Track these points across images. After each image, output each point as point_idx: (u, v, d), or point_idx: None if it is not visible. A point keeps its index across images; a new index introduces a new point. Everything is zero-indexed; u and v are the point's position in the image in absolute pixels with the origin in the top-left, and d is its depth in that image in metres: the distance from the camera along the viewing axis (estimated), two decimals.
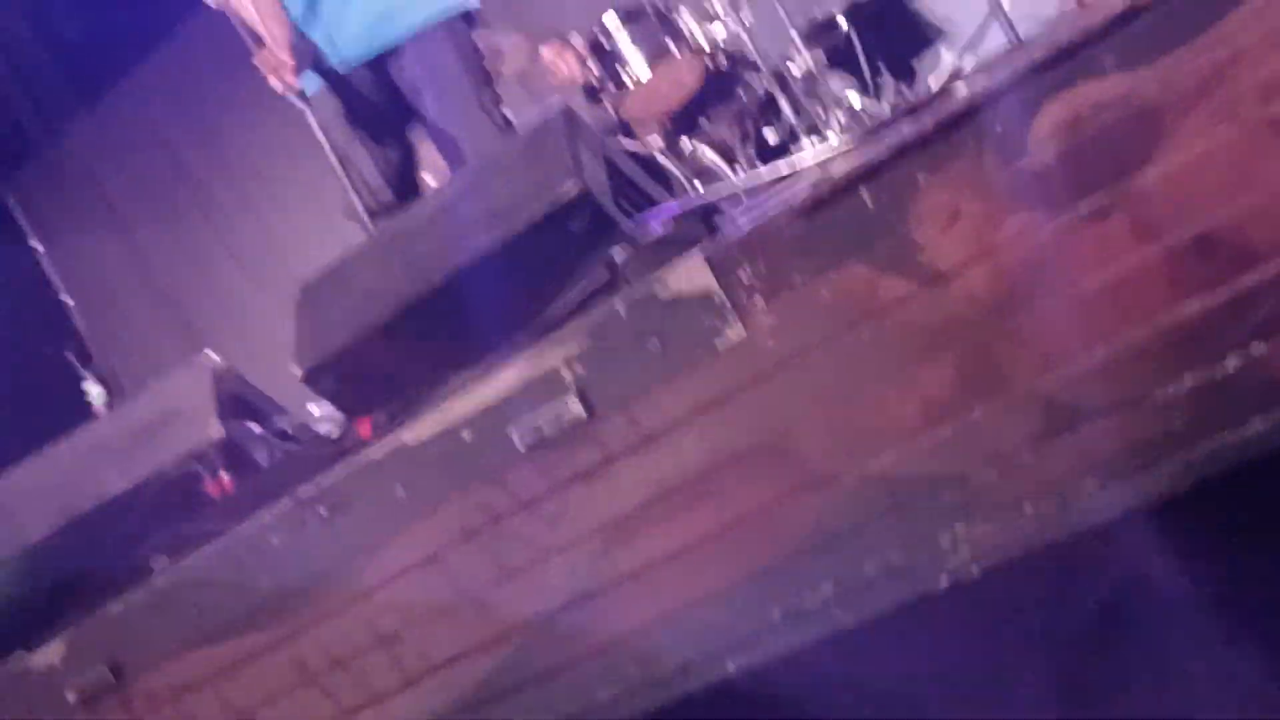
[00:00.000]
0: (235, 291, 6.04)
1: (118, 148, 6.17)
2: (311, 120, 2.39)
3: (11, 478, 2.02)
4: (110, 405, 4.02)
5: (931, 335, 1.30)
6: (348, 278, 1.92)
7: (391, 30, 2.52)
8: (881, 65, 4.24)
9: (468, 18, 2.64)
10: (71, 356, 4.56)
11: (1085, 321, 1.22)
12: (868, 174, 1.32)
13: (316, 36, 2.50)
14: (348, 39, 2.51)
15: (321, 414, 2.21)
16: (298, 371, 1.80)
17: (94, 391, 4.32)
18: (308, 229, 5.76)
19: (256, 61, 2.43)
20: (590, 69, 3.77)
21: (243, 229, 6.10)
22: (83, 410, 4.14)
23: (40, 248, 6.32)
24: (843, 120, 3.74)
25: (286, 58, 2.40)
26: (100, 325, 6.32)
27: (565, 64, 3.87)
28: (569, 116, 1.75)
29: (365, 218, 2.39)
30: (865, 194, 1.31)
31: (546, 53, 4.14)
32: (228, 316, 5.99)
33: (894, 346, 1.32)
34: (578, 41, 3.87)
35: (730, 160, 3.77)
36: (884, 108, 3.97)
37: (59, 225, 6.37)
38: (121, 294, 6.32)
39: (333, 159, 2.38)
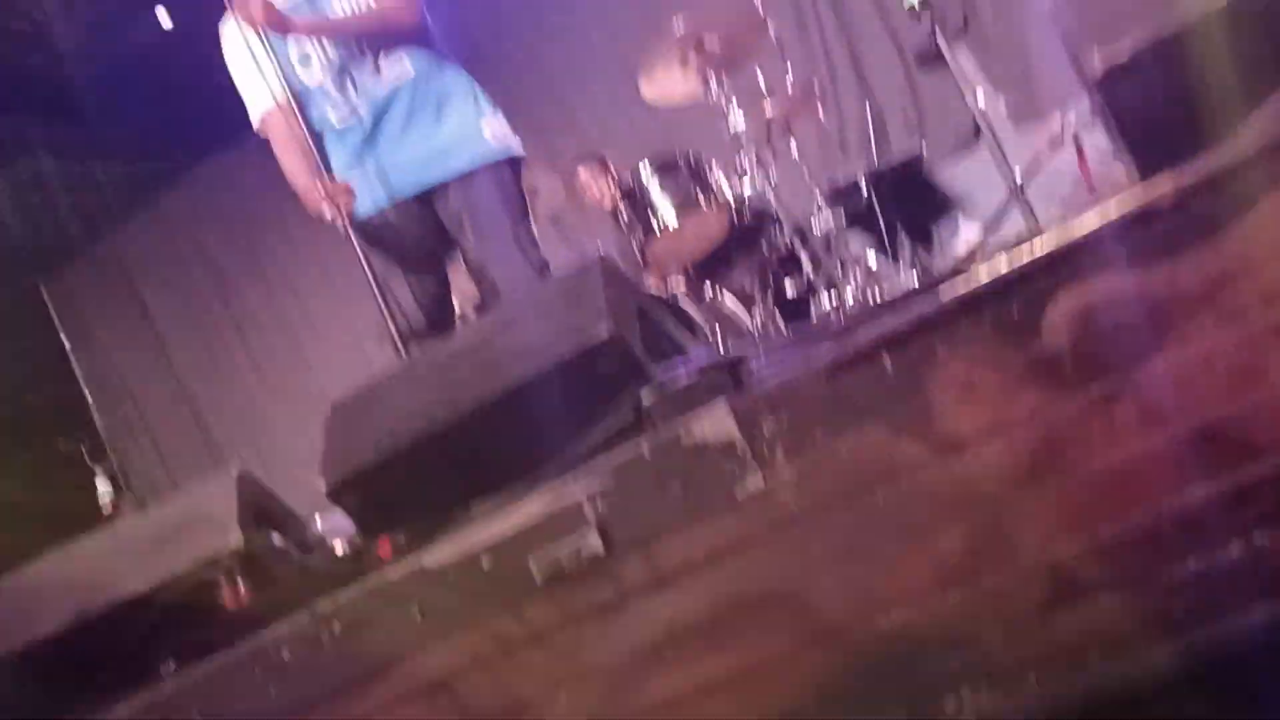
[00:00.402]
0: (256, 403, 6.13)
1: (159, 253, 6.34)
2: (356, 246, 2.50)
3: (28, 571, 2.05)
4: (117, 503, 4.06)
5: (944, 501, 1.35)
6: (379, 399, 1.99)
7: (440, 170, 2.67)
8: (900, 230, 4.40)
9: (511, 159, 2.80)
10: (85, 451, 4.62)
11: (1093, 499, 1.27)
12: (889, 342, 1.39)
13: (369, 169, 2.64)
14: (398, 176, 2.66)
15: (328, 528, 2.25)
16: (323, 486, 1.86)
17: (103, 489, 4.36)
18: (336, 349, 5.90)
19: (302, 196, 2.59)
20: (620, 200, 3.93)
21: (273, 343, 6.24)
22: (91, 505, 4.18)
23: (68, 343, 6.44)
24: (860, 279, 3.87)
25: (325, 201, 2.55)
26: (117, 423, 6.37)
27: (598, 186, 4.05)
28: (606, 264, 1.85)
29: (398, 343, 2.47)
30: (886, 361, 1.38)
31: (583, 173, 4.33)
32: (246, 427, 6.07)
33: (908, 508, 1.37)
34: (612, 165, 4.05)
35: (750, 309, 3.89)
36: (900, 271, 4.10)
37: (90, 322, 6.50)
38: (143, 394, 6.39)
39: (372, 284, 2.48)
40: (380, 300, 2.50)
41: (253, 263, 6.28)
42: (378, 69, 2.69)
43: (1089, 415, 1.26)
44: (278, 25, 2.56)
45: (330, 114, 2.75)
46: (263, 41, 2.65)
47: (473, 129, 2.72)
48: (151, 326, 6.37)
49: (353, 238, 2.51)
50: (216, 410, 6.26)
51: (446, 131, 2.71)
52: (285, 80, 2.67)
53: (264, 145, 2.82)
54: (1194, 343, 1.23)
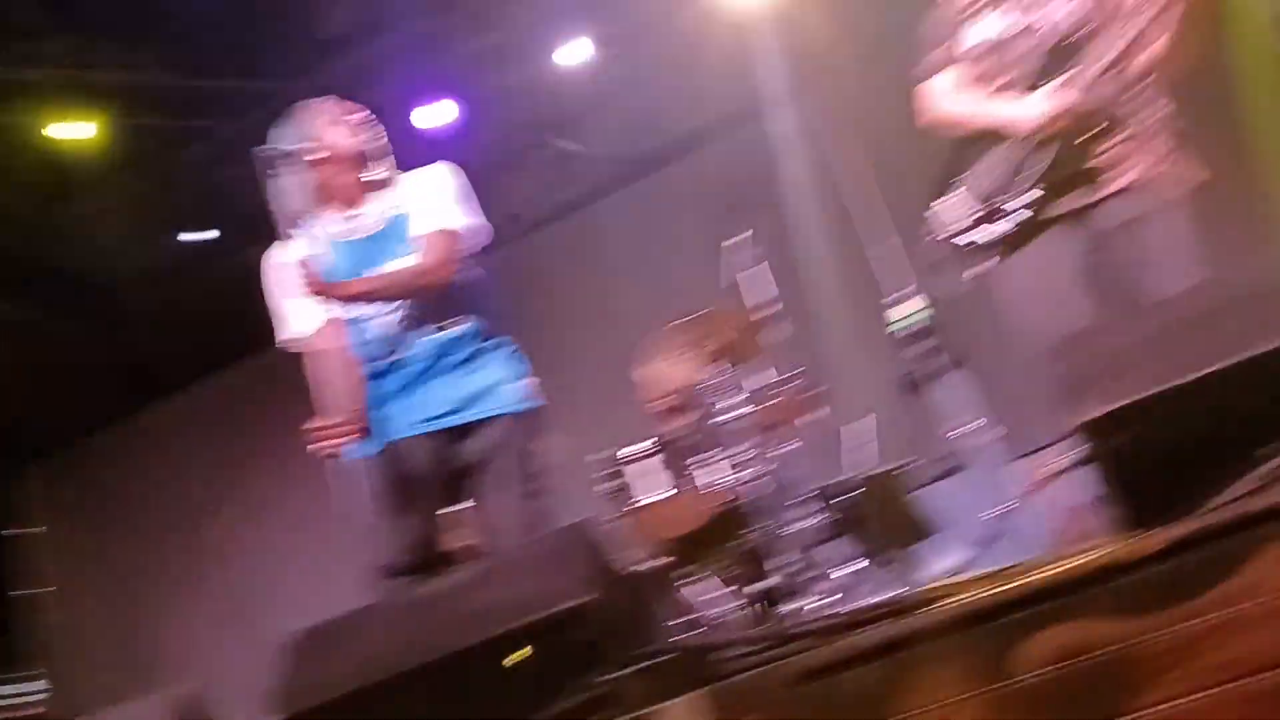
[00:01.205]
0: (212, 623, 5.92)
1: (146, 455, 6.34)
2: (360, 479, 2.51)
3: None
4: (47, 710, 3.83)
5: None
6: (342, 636, 1.95)
7: (469, 413, 2.75)
8: (880, 545, 4.41)
9: (534, 412, 2.88)
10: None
11: None
12: (863, 657, 1.40)
13: (396, 406, 2.73)
14: (425, 414, 2.74)
15: None
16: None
17: (32, 689, 4.14)
18: (313, 579, 5.77)
19: (309, 426, 2.60)
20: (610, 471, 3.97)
21: (238, 571, 6.10)
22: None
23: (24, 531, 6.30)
24: (835, 587, 3.86)
25: (340, 435, 2.58)
26: (61, 624, 6.13)
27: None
28: (595, 530, 1.87)
29: (374, 582, 2.44)
30: (866, 673, 1.38)
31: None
32: (194, 647, 5.83)
33: None
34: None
35: (723, 598, 3.85)
36: (875, 586, 4.09)
37: (57, 512, 6.39)
38: (93, 599, 6.19)
39: (366, 518, 2.47)
40: (371, 535, 2.48)
41: (240, 478, 6.27)
42: (436, 324, 2.82)
43: None
44: (320, 292, 2.67)
45: (372, 349, 2.81)
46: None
47: (507, 380, 2.84)
48: (120, 527, 6.27)
49: (354, 472, 2.54)
50: (167, 627, 6.05)
51: (481, 379, 2.81)
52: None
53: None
54: (1163, 699, 1.24)
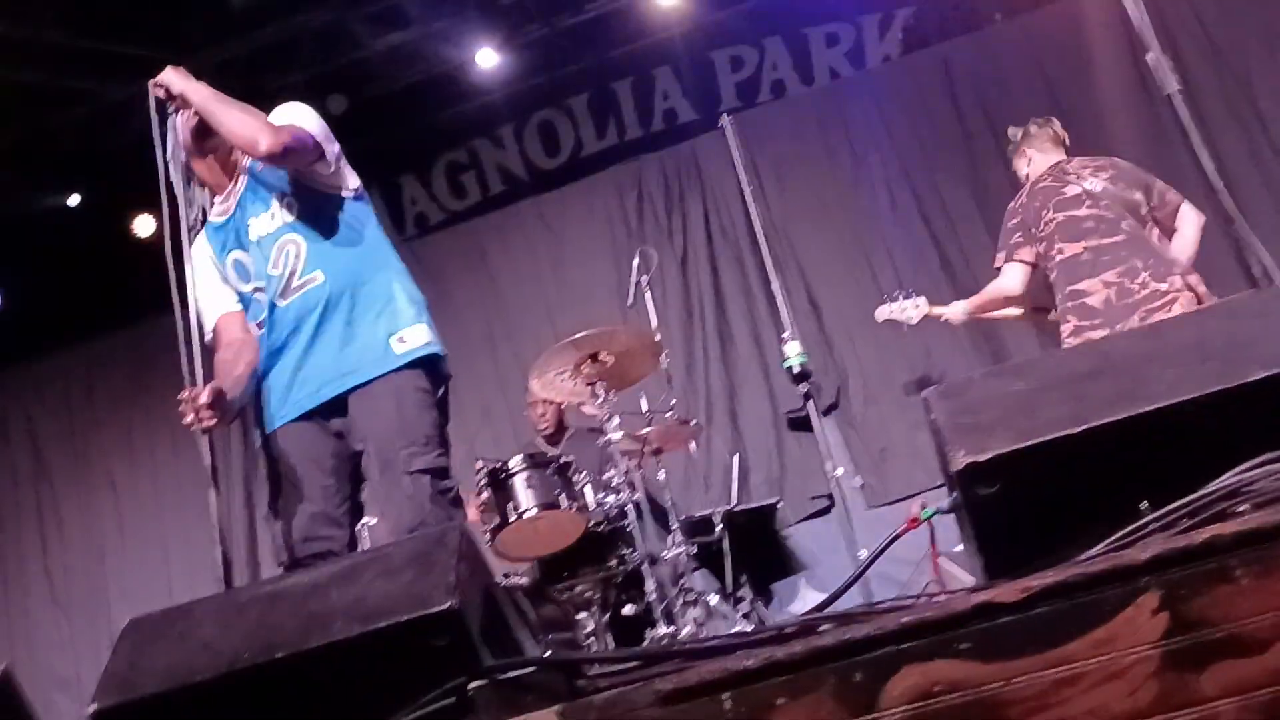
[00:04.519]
0: (48, 604, 5.64)
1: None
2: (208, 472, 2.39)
3: None
4: None
5: None
6: (183, 626, 1.84)
7: (334, 387, 2.62)
8: (745, 578, 4.46)
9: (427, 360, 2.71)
10: None
11: None
12: (732, 681, 1.37)
13: (277, 381, 2.62)
14: (303, 390, 2.62)
15: None
16: (91, 708, 1.67)
17: None
18: (160, 566, 5.53)
19: (181, 396, 2.50)
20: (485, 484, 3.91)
21: (87, 546, 5.82)
22: None
23: None
24: (697, 615, 3.87)
25: (206, 410, 2.48)
26: None
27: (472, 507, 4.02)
28: (467, 538, 1.81)
29: (225, 572, 2.32)
30: (726, 700, 1.36)
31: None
32: (31, 628, 5.54)
33: None
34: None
35: (586, 618, 3.82)
36: (736, 617, 4.12)
37: None
38: None
39: (213, 518, 2.34)
40: (217, 530, 2.34)
41: (84, 466, 5.99)
42: (292, 283, 2.68)
43: None
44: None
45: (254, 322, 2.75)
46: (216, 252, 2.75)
47: (383, 336, 2.66)
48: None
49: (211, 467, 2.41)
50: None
51: (358, 342, 2.64)
52: (234, 288, 2.75)
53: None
54: None
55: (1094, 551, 1.41)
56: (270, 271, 2.69)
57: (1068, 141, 4.16)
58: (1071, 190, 3.89)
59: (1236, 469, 1.46)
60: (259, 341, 2.72)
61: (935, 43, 6.07)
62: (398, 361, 2.62)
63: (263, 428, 2.70)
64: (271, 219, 2.72)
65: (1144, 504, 1.50)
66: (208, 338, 2.78)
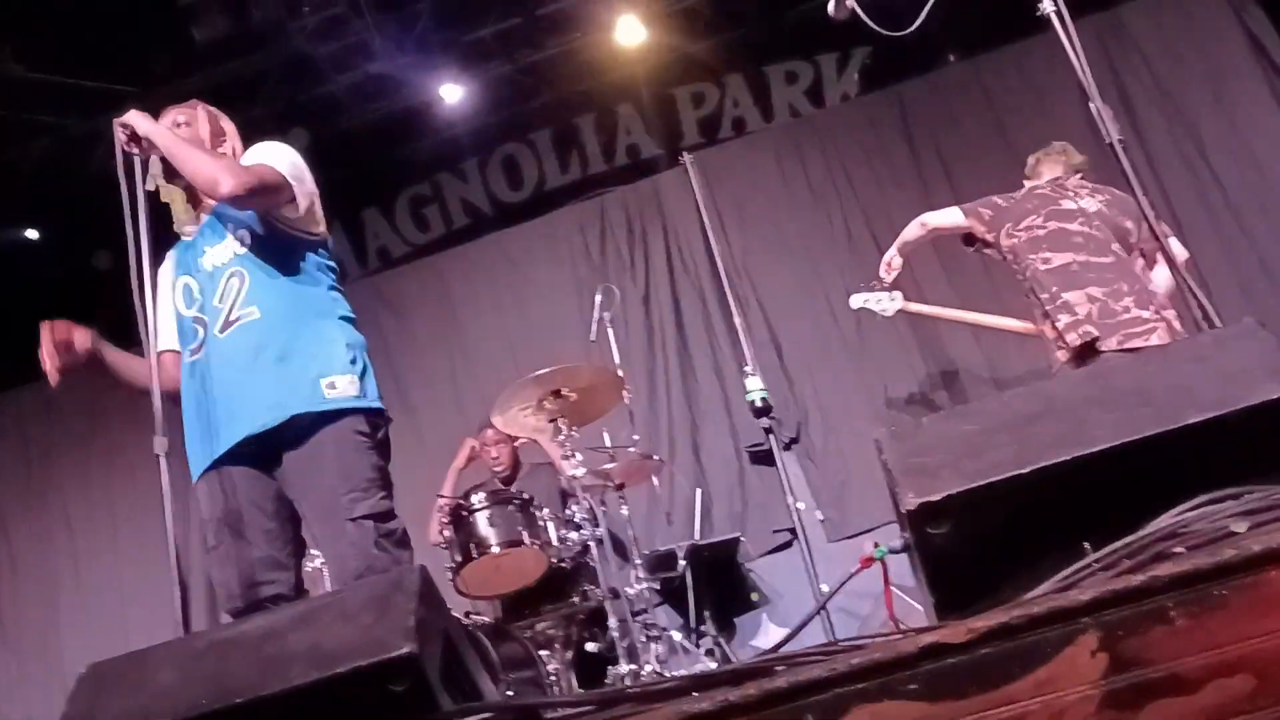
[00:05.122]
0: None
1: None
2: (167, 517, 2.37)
3: None
4: None
5: None
6: (142, 672, 1.83)
7: (260, 424, 2.57)
8: (707, 614, 4.48)
9: (366, 412, 2.65)
10: None
11: None
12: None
13: (203, 436, 2.60)
14: (228, 435, 2.58)
15: None
16: None
17: None
18: (117, 609, 5.44)
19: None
20: (446, 521, 3.90)
21: (41, 589, 5.71)
22: None
23: None
24: (660, 652, 3.87)
25: (53, 358, 2.56)
26: None
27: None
28: (425, 580, 1.82)
29: (182, 618, 2.29)
30: None
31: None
32: None
33: None
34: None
35: (548, 656, 3.81)
36: (699, 653, 4.13)
37: None
38: None
39: (172, 558, 2.32)
40: (174, 562, 2.32)
41: (39, 503, 5.90)
42: (230, 315, 2.66)
43: None
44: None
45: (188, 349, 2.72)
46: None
47: (312, 376, 2.59)
48: None
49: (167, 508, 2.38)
50: None
51: (283, 382, 2.58)
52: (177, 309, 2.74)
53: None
54: None
55: (1037, 592, 1.45)
56: (215, 304, 2.67)
57: (1080, 167, 4.25)
58: (1067, 205, 4.00)
59: (1173, 511, 1.51)
60: (193, 369, 2.67)
61: (891, 83, 6.19)
62: (326, 405, 2.57)
63: (197, 464, 2.64)
64: (224, 250, 2.71)
65: (1086, 545, 1.54)
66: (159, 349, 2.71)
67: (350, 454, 2.57)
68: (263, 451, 2.61)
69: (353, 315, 2.78)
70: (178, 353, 2.78)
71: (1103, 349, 3.68)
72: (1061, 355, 3.84)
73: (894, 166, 6.00)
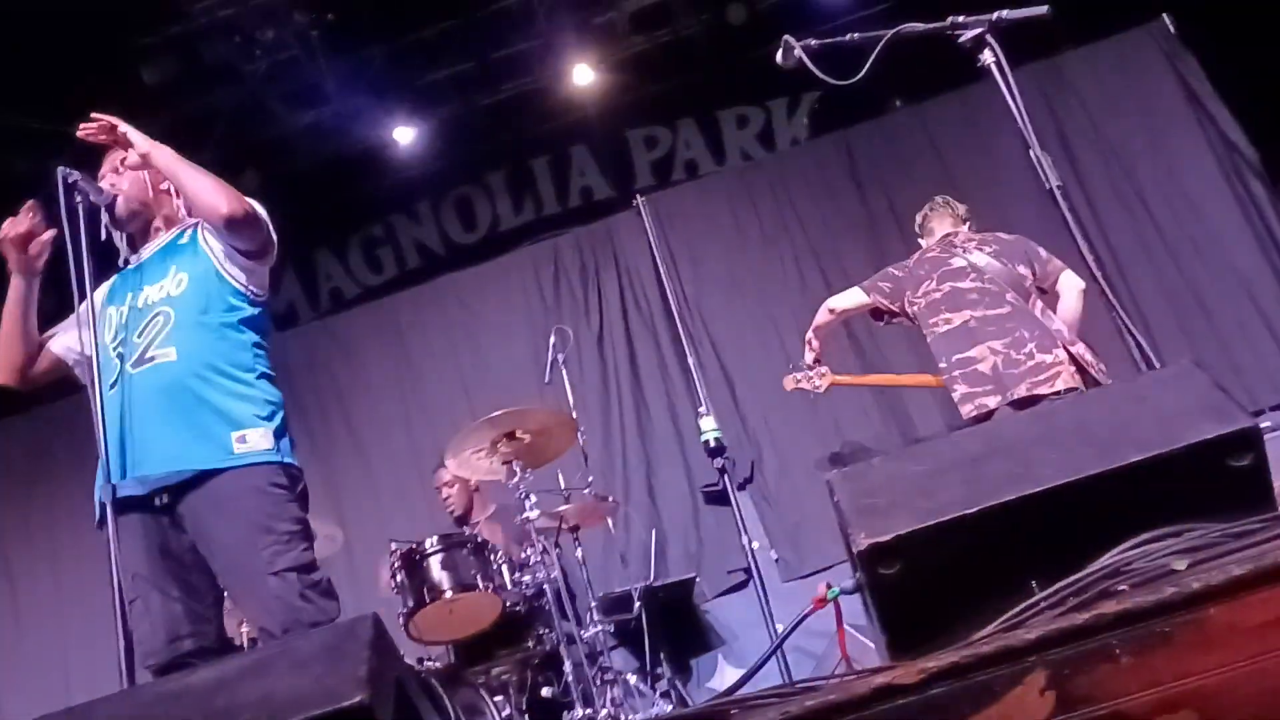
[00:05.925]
0: None
1: None
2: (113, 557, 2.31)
3: None
4: None
5: None
6: None
7: (169, 474, 2.50)
8: (663, 656, 4.45)
9: (281, 466, 2.58)
10: None
11: None
12: None
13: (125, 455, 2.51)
14: (141, 475, 2.50)
15: None
16: None
17: None
18: (76, 660, 5.29)
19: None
20: (399, 566, 3.86)
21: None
22: None
23: None
24: (616, 696, 3.85)
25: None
26: None
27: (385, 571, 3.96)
28: (377, 628, 1.80)
29: (125, 670, 2.23)
30: None
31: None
32: None
33: None
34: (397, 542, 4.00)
35: (503, 703, 3.77)
36: (655, 697, 4.11)
37: None
38: None
39: (116, 609, 2.25)
40: (120, 616, 2.25)
41: (30, 527, 5.76)
42: (147, 353, 2.59)
43: None
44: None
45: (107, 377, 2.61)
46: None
47: (220, 435, 2.52)
48: None
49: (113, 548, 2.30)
50: None
51: (192, 431, 2.51)
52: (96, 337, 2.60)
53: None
54: None
55: (986, 631, 1.47)
56: (135, 339, 2.61)
57: (966, 217, 4.39)
58: (957, 263, 4.12)
59: (1116, 549, 1.54)
60: (109, 403, 2.54)
61: (840, 127, 6.30)
62: (235, 460, 2.50)
63: (107, 506, 2.46)
64: (160, 289, 2.67)
65: (1034, 583, 1.57)
66: (39, 336, 2.76)
67: (270, 506, 2.50)
68: (175, 501, 2.53)
69: (273, 373, 2.72)
70: (52, 354, 2.76)
71: (1013, 397, 3.79)
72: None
73: (843, 208, 6.09)
